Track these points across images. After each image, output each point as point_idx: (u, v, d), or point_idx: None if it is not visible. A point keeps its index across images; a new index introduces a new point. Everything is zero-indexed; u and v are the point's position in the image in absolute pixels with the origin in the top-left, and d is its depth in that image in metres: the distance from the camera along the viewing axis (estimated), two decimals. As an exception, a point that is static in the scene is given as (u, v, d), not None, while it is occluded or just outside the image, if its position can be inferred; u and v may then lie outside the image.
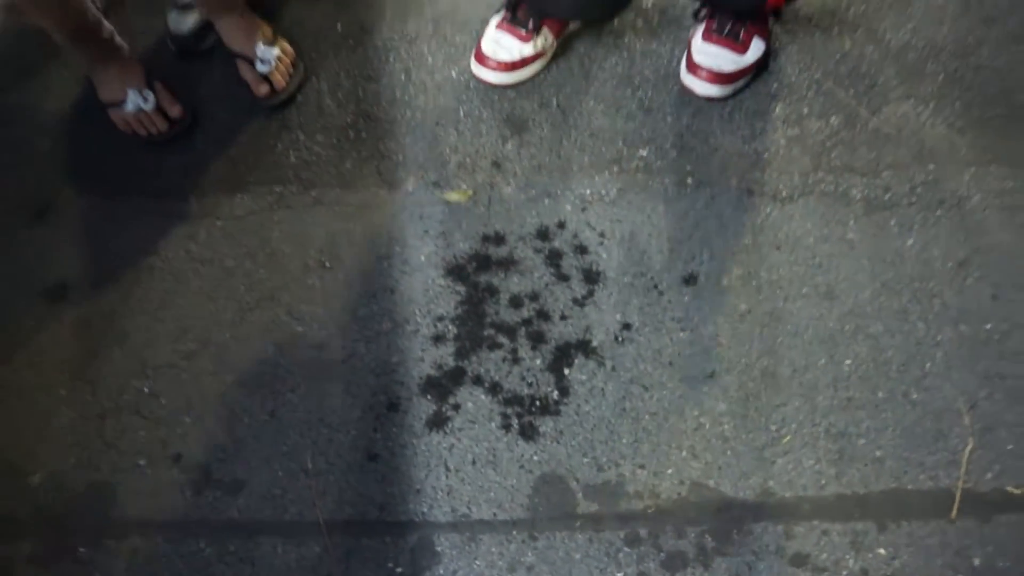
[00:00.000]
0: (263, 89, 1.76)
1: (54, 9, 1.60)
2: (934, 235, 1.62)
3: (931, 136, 1.72)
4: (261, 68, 1.76)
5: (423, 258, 1.62)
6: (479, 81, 1.79)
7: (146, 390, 1.54)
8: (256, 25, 1.79)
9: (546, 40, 1.77)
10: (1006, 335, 1.54)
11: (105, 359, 1.57)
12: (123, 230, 1.69)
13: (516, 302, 1.57)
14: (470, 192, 1.67)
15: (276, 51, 1.77)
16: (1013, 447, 1.46)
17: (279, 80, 1.77)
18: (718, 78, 1.71)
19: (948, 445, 1.46)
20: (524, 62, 1.77)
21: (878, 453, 1.46)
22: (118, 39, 1.73)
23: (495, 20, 1.79)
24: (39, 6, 1.59)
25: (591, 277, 1.59)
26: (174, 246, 1.67)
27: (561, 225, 1.63)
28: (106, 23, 1.70)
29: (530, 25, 1.75)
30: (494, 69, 1.77)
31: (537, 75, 1.80)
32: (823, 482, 1.44)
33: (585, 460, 1.46)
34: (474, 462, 1.46)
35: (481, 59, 1.77)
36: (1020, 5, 1.86)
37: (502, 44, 1.77)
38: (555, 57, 1.82)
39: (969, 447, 1.46)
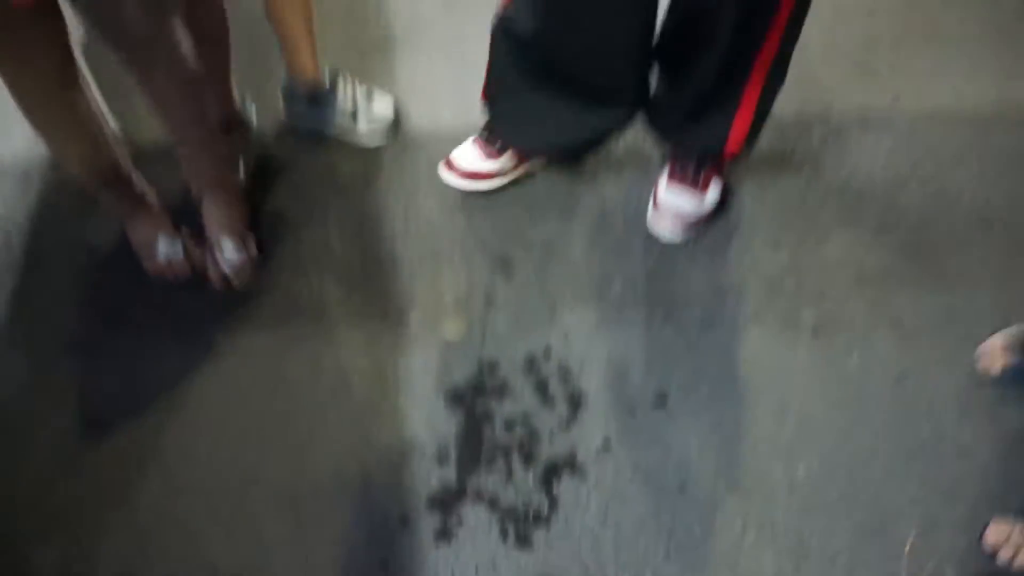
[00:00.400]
0: (219, 283, 1.94)
1: (91, 163, 1.78)
2: (874, 353, 1.84)
3: (870, 263, 1.95)
4: (223, 264, 1.93)
5: (426, 386, 1.81)
6: (445, 182, 2.05)
7: (181, 509, 1.71)
8: (232, 218, 1.96)
9: (508, 163, 2.03)
10: (939, 441, 1.74)
11: (143, 483, 1.73)
12: (154, 365, 1.86)
13: (509, 425, 1.76)
14: (465, 326, 1.88)
15: (240, 255, 1.93)
16: (950, 541, 1.65)
17: (235, 280, 1.94)
18: (681, 223, 1.94)
19: (892, 541, 1.66)
20: (482, 175, 2.03)
21: (831, 550, 1.65)
22: (148, 190, 1.93)
23: (473, 136, 2.05)
24: (78, 160, 1.78)
25: (574, 400, 1.79)
26: (201, 379, 1.84)
27: (547, 353, 1.84)
28: (136, 176, 1.89)
29: (498, 145, 2.01)
30: (456, 175, 2.04)
31: (496, 191, 2.07)
32: (783, 578, 1.64)
33: (574, 565, 1.64)
34: (477, 570, 1.64)
35: (448, 164, 2.04)
36: (942, 147, 2.13)
37: (469, 155, 2.03)
38: (537, 201, 2.05)
39: (910, 542, 1.66)
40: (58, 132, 1.74)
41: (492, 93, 1.94)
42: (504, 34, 1.79)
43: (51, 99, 1.65)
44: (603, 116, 1.90)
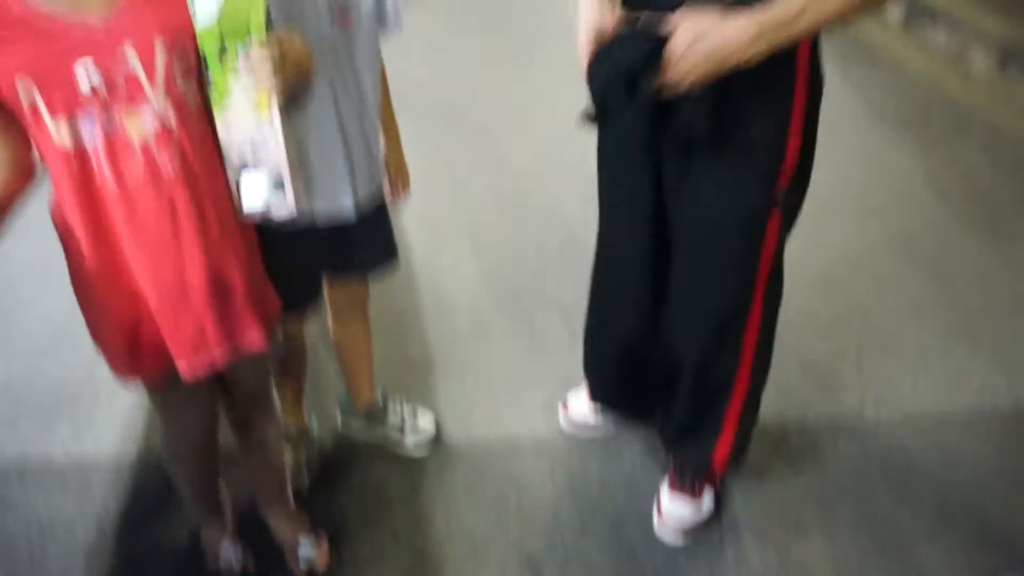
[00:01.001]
0: None
1: (198, 467, 2.10)
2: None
3: (846, 558, 2.24)
4: (303, 564, 2.23)
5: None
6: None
7: None
8: (297, 522, 2.25)
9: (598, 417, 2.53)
10: None
11: None
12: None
13: None
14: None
15: (315, 551, 2.23)
16: None
17: (319, 571, 2.23)
18: (682, 530, 2.29)
19: None
20: (588, 428, 2.54)
21: None
22: (225, 494, 2.22)
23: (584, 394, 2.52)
24: (189, 465, 2.08)
25: None
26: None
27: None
28: (220, 480, 2.18)
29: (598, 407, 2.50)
30: (569, 423, 2.57)
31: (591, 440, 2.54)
32: None
33: None
34: None
35: (566, 408, 2.59)
36: (904, 447, 2.50)
37: (585, 412, 2.53)
38: (563, 509, 2.39)
39: None
40: (191, 449, 2.06)
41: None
42: None
43: (198, 448, 2.04)
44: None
